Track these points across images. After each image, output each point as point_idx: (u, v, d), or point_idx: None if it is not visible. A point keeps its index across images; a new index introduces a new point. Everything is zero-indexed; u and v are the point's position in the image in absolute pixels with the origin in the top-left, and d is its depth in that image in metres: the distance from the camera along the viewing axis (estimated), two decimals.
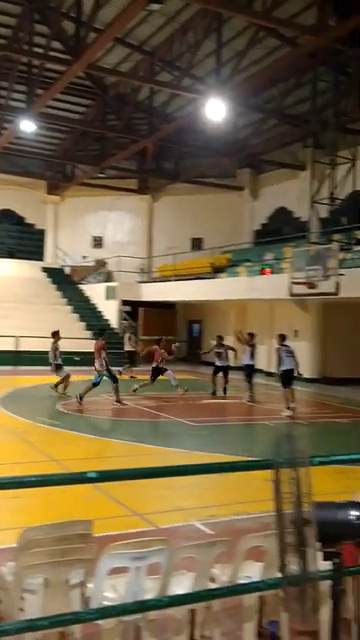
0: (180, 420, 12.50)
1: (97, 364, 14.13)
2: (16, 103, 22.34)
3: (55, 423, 11.51)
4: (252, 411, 14.86)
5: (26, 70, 20.64)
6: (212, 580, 3.50)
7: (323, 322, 21.12)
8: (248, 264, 23.94)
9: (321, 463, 3.36)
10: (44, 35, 18.59)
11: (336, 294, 15.64)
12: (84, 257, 30.97)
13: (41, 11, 18.89)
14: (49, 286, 28.61)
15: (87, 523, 3.31)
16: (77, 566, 3.13)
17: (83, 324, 25.44)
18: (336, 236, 17.94)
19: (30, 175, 29.51)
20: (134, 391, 15.38)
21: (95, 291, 28.39)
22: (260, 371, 19.01)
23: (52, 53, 18.04)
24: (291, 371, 13.97)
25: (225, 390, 16.28)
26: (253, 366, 16.01)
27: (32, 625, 2.69)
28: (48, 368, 19.45)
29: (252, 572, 3.57)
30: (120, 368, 19.58)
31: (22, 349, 21.87)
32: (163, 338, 16.54)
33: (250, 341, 16.06)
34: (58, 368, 15.43)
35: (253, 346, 16.03)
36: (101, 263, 30.23)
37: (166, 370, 15.65)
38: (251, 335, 16.34)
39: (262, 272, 21.03)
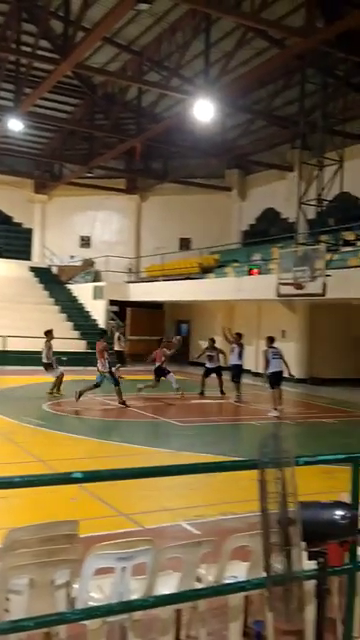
0: (167, 420, 12.50)
1: (100, 365, 14.09)
2: (3, 102, 22.24)
3: (42, 423, 11.47)
4: (239, 411, 14.89)
5: (14, 69, 20.54)
6: (198, 580, 3.51)
7: (310, 323, 21.22)
8: (236, 265, 23.99)
9: (307, 463, 3.38)
10: (32, 34, 18.52)
11: (323, 295, 15.70)
12: (72, 257, 30.88)
13: (29, 10, 18.80)
14: (36, 286, 28.49)
15: (73, 524, 3.31)
16: (63, 567, 3.12)
17: (70, 324, 25.38)
18: (323, 237, 18.02)
19: (18, 174, 29.39)
20: (139, 391, 15.37)
21: (83, 291, 28.31)
22: (248, 371, 19.05)
23: (40, 52, 17.97)
24: (278, 373, 14.02)
25: (222, 391, 16.18)
26: (241, 366, 16.05)
27: (17, 626, 2.68)
28: (35, 368, 19.44)
29: (238, 572, 3.58)
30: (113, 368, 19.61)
31: (9, 349, 21.78)
32: (164, 339, 16.53)
33: (238, 341, 16.09)
34: (50, 367, 15.31)
35: (241, 346, 16.07)
36: (89, 263, 30.16)
37: (169, 372, 15.58)
38: (239, 335, 16.38)
39: (250, 273, 21.08)
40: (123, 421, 12.81)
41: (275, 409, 13.67)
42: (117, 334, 21.00)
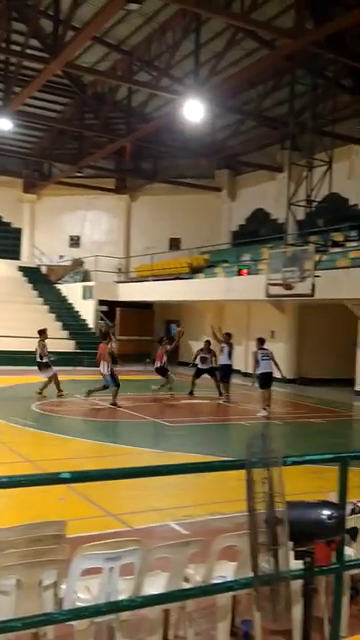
0: (156, 420, 12.50)
1: (103, 367, 14.06)
2: None
3: (30, 424, 11.43)
4: (228, 411, 14.91)
5: (3, 68, 20.46)
6: (186, 580, 3.51)
7: (299, 323, 21.30)
8: (226, 265, 24.03)
9: (294, 463, 3.40)
10: (22, 33, 18.45)
11: (312, 295, 15.76)
12: (61, 256, 30.78)
13: (19, 9, 18.74)
14: (25, 285, 28.37)
15: (60, 524, 3.31)
16: (50, 567, 3.12)
17: (59, 324, 25.30)
18: (312, 238, 18.08)
19: (7, 173, 29.25)
20: (154, 392, 15.44)
21: (72, 291, 28.24)
22: (237, 372, 19.09)
23: (30, 51, 17.90)
24: (267, 374, 14.07)
25: (221, 392, 15.98)
26: (230, 366, 16.08)
27: (4, 626, 2.67)
28: (25, 368, 19.38)
29: (226, 572, 3.59)
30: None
31: None
32: (164, 338, 16.50)
33: (227, 341, 16.11)
34: (44, 367, 15.23)
35: (230, 345, 16.10)
36: (78, 262, 30.07)
37: (167, 371, 15.59)
38: (228, 335, 16.40)
39: (239, 273, 21.12)
40: (112, 421, 12.79)
41: (264, 409, 13.71)
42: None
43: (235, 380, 17.10)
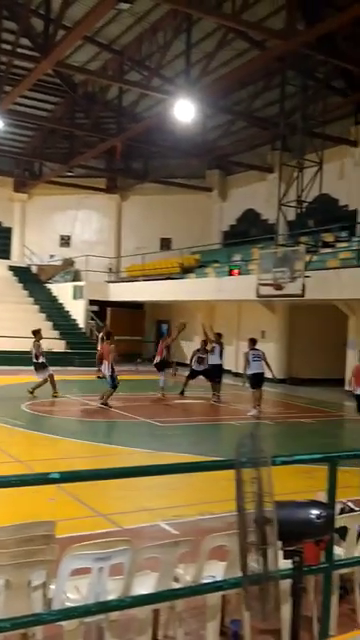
0: (147, 420, 12.49)
1: (105, 368, 14.02)
2: None
3: (20, 424, 11.39)
4: (219, 411, 14.92)
5: None
6: (176, 580, 3.52)
7: (289, 323, 21.36)
8: (216, 265, 24.05)
9: (284, 463, 3.41)
10: (12, 32, 18.38)
11: (302, 296, 15.81)
12: (51, 256, 30.69)
13: (10, 7, 18.66)
14: (15, 285, 28.27)
15: (50, 524, 3.30)
16: (39, 567, 3.11)
17: (50, 324, 25.23)
18: (303, 238, 18.14)
19: None
20: (162, 393, 15.45)
21: (62, 290, 28.17)
22: (228, 372, 19.11)
23: (20, 50, 17.84)
24: (258, 374, 14.11)
25: (214, 392, 15.92)
26: (221, 366, 16.09)
27: None
28: (15, 368, 19.34)
29: (215, 571, 3.60)
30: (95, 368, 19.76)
31: None
32: (165, 334, 16.50)
33: (218, 340, 16.12)
34: (40, 368, 15.17)
35: (221, 345, 16.12)
36: (69, 262, 30.00)
37: (171, 365, 15.62)
38: (219, 335, 16.41)
39: (230, 273, 21.14)
40: (103, 421, 12.77)
41: (254, 407, 13.76)
42: (100, 335, 20.99)
43: (226, 380, 17.12)
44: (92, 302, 26.55)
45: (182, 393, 16.04)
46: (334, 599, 3.78)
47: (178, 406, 15.18)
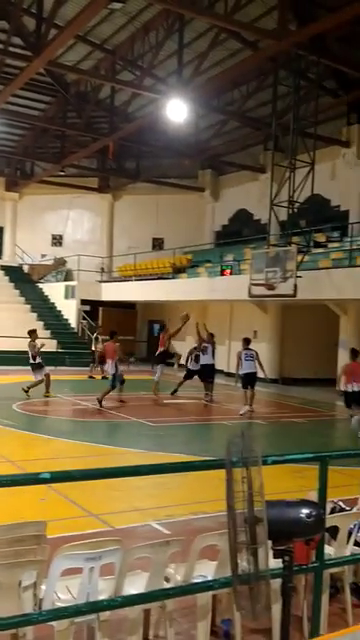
0: (139, 420, 12.48)
1: (109, 366, 14.04)
2: None
3: (11, 424, 11.36)
4: (211, 411, 14.93)
5: None
6: (167, 579, 3.52)
7: (281, 323, 21.41)
8: (209, 265, 24.06)
9: (275, 462, 3.42)
10: (4, 30, 18.33)
11: (294, 296, 15.83)
12: (43, 255, 30.62)
13: (1, 6, 18.60)
14: (7, 284, 28.16)
15: (40, 524, 3.29)
16: (30, 567, 3.10)
17: (41, 323, 25.16)
18: (295, 239, 18.16)
19: None
20: (155, 387, 15.50)
21: (54, 290, 28.11)
22: (220, 372, 19.13)
23: (12, 49, 17.78)
24: (251, 374, 14.17)
25: (210, 397, 15.81)
26: (213, 366, 16.09)
27: None
28: (6, 368, 19.30)
29: (206, 571, 3.60)
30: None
31: None
32: (166, 325, 16.49)
33: (210, 340, 16.14)
34: (37, 368, 15.14)
35: (213, 345, 16.14)
36: (60, 262, 29.93)
37: (174, 356, 15.64)
38: (211, 335, 16.42)
39: (222, 273, 21.15)
40: (94, 421, 12.75)
41: (245, 405, 13.84)
42: (94, 335, 21.03)
43: (218, 380, 17.13)
44: (84, 302, 26.50)
45: (174, 393, 15.97)
46: (324, 598, 3.79)
47: (170, 406, 15.18)
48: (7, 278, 28.62)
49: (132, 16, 18.52)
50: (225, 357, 20.93)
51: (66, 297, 26.97)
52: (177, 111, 17.98)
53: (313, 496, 3.59)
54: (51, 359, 20.28)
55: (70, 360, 23.04)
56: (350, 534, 4.25)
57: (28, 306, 26.61)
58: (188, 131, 23.23)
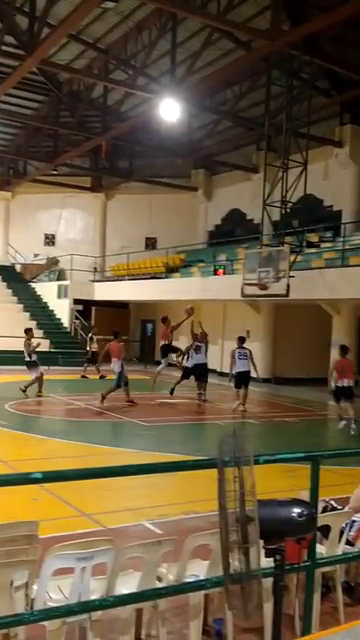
0: (132, 420, 12.48)
1: (114, 365, 14.03)
2: None
3: (3, 423, 11.33)
4: (204, 411, 14.94)
5: None
6: (159, 579, 3.52)
7: (274, 323, 21.44)
8: (201, 264, 24.07)
9: (267, 462, 3.42)
10: None
11: (287, 295, 15.86)
12: (36, 255, 30.54)
13: None
14: None
15: (32, 524, 3.29)
16: (22, 567, 3.10)
17: (34, 323, 25.08)
18: (287, 238, 18.18)
19: None
20: (173, 391, 15.55)
21: (47, 290, 28.04)
22: (213, 371, 19.13)
23: (5, 48, 17.71)
24: (244, 373, 14.22)
25: (204, 397, 15.74)
26: (206, 365, 16.10)
27: None
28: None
29: (198, 570, 3.60)
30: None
31: None
32: (168, 317, 16.42)
33: (203, 339, 16.14)
34: (32, 366, 15.16)
35: (206, 344, 16.16)
36: (53, 261, 29.87)
37: (177, 350, 15.63)
38: (204, 334, 16.43)
39: (215, 273, 21.17)
40: (88, 421, 12.73)
41: (237, 400, 13.92)
42: (90, 334, 21.04)
43: (211, 380, 17.12)
44: (77, 301, 26.46)
45: (172, 392, 15.91)
46: (316, 597, 3.81)
47: (164, 406, 15.18)
48: (0, 277, 28.53)
49: (125, 15, 18.50)
50: (218, 357, 20.94)
51: (59, 297, 26.91)
52: (170, 111, 17.98)
53: (305, 495, 3.60)
54: (44, 359, 20.22)
55: (63, 360, 23.01)
56: (342, 533, 4.26)
57: (21, 306, 26.53)
58: (181, 131, 23.22)
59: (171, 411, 14.70)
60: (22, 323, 22.09)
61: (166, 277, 24.25)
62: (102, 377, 19.32)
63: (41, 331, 24.51)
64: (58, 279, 28.60)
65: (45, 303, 27.70)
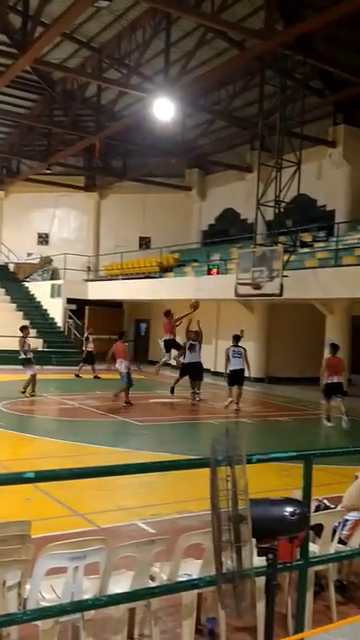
0: (126, 420, 12.47)
1: (121, 366, 14.07)
2: None
3: None
4: (198, 410, 14.95)
5: None
6: (152, 578, 3.52)
7: (268, 322, 21.47)
8: (195, 264, 24.08)
9: (259, 461, 3.43)
10: None
11: (280, 295, 15.88)
12: (29, 254, 30.47)
13: None
14: None
15: (25, 524, 3.28)
16: (14, 567, 3.09)
17: (27, 322, 24.99)
18: (281, 238, 18.20)
19: None
20: (173, 390, 15.52)
21: (40, 289, 27.97)
22: (207, 370, 19.13)
23: None
24: (238, 371, 14.26)
25: (198, 396, 15.75)
26: (200, 363, 16.11)
27: None
28: None
29: (191, 569, 3.60)
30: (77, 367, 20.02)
31: None
32: (170, 311, 16.32)
33: (197, 338, 16.16)
34: (27, 363, 15.14)
35: (200, 343, 16.17)
36: (47, 260, 29.81)
37: (179, 347, 15.63)
38: (197, 332, 16.44)
39: (209, 272, 21.18)
40: (81, 421, 12.71)
41: (229, 397, 13.95)
42: (85, 334, 21.03)
43: (204, 379, 17.13)
44: (70, 301, 26.41)
45: (172, 392, 15.88)
46: (309, 596, 3.81)
47: (157, 405, 15.18)
48: None
49: (119, 14, 18.48)
50: (212, 356, 20.95)
51: (52, 296, 26.85)
52: (164, 110, 17.98)
53: (298, 494, 3.61)
54: (37, 358, 20.18)
55: (56, 359, 22.97)
56: (334, 532, 4.27)
57: (14, 305, 26.45)
58: (175, 130, 23.22)
59: (165, 410, 14.70)
60: (15, 322, 22.00)
61: (160, 277, 24.24)
62: (96, 377, 19.31)
63: (34, 330, 24.44)
64: (51, 278, 28.54)
65: (38, 302, 27.64)
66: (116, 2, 17.22)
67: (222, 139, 24.09)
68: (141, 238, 29.31)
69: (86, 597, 3.14)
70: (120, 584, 3.34)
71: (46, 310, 27.13)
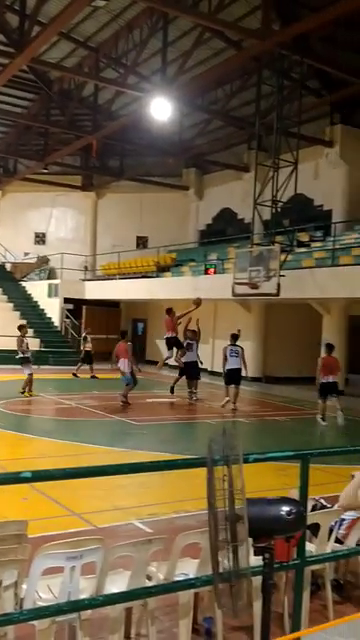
0: (123, 419, 12.47)
1: (124, 366, 14.06)
2: None
3: None
4: (195, 410, 14.95)
5: None
6: (148, 578, 3.52)
7: (265, 322, 21.48)
8: (193, 264, 24.07)
9: (256, 460, 3.43)
10: None
11: (277, 295, 15.90)
12: (26, 253, 30.43)
13: None
14: None
15: (21, 523, 3.28)
16: (11, 567, 3.09)
17: (24, 322, 24.96)
18: (278, 238, 18.22)
19: None
20: (159, 368, 15.53)
21: (37, 288, 27.94)
22: (204, 370, 19.14)
23: None
24: (235, 370, 14.27)
25: (194, 395, 15.74)
26: (197, 363, 16.12)
27: None
28: None
29: (188, 569, 3.61)
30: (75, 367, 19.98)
31: None
32: (172, 309, 16.21)
33: (194, 338, 16.16)
34: (25, 361, 15.13)
35: (197, 342, 16.18)
36: (44, 260, 29.78)
37: (181, 346, 15.61)
38: (194, 332, 16.45)
39: (206, 272, 21.18)
40: (78, 420, 12.71)
41: (226, 397, 13.95)
42: (83, 334, 21.02)
43: (201, 379, 17.13)
44: (67, 300, 26.39)
45: (172, 391, 15.88)
46: (305, 595, 3.82)
47: (154, 405, 15.18)
48: None
49: (116, 14, 18.48)
50: (209, 356, 20.95)
51: (49, 296, 26.83)
52: (161, 109, 17.97)
53: (295, 494, 3.61)
54: (34, 358, 20.21)
55: (54, 359, 22.95)
56: (331, 531, 4.28)
57: (11, 305, 26.41)
58: (172, 130, 23.21)
59: (162, 410, 14.70)
60: (12, 322, 21.98)
61: (157, 276, 24.24)
62: (93, 377, 19.31)
63: (31, 330, 24.42)
64: (49, 278, 28.51)
65: (35, 302, 27.61)
66: (113, 1, 17.22)
67: (219, 139, 24.08)
68: (138, 238, 29.29)
69: (83, 597, 3.14)
70: (117, 584, 3.34)
71: (43, 310, 27.10)
